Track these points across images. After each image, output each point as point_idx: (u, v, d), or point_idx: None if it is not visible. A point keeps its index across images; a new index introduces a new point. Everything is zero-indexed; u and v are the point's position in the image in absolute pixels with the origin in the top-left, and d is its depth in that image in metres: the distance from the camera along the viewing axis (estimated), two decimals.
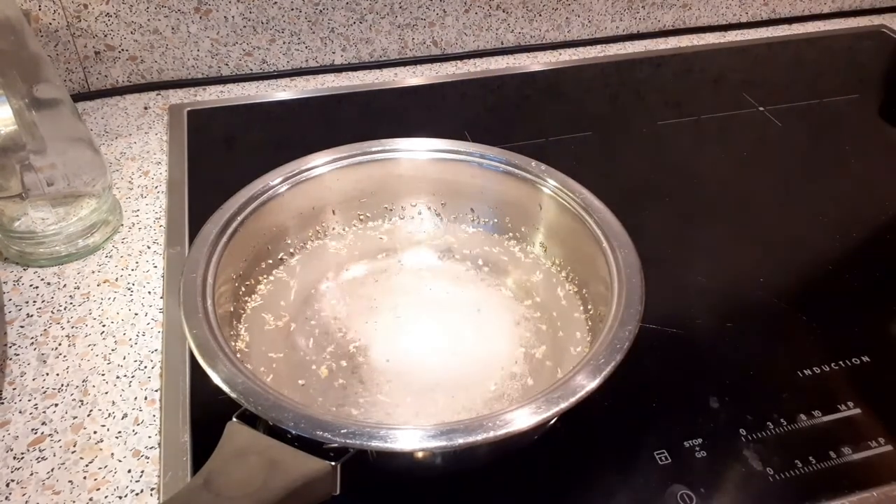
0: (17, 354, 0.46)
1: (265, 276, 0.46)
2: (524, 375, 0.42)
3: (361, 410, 0.40)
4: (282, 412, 0.32)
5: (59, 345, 0.46)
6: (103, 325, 0.48)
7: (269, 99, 0.72)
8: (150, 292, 0.50)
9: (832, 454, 0.40)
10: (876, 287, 0.52)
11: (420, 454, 0.35)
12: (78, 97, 0.70)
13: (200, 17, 0.70)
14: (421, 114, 0.70)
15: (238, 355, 0.37)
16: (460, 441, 0.32)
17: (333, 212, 0.50)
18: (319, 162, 0.48)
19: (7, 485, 0.38)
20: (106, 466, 0.39)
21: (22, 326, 0.47)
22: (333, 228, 0.50)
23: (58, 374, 0.44)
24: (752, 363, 0.45)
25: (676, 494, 0.38)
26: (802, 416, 0.42)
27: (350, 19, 0.74)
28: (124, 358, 0.46)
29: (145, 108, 0.70)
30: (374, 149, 0.49)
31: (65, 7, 0.66)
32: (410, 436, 0.32)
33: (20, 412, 0.42)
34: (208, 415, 0.41)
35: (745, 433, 0.41)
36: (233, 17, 0.70)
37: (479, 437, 0.32)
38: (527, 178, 0.48)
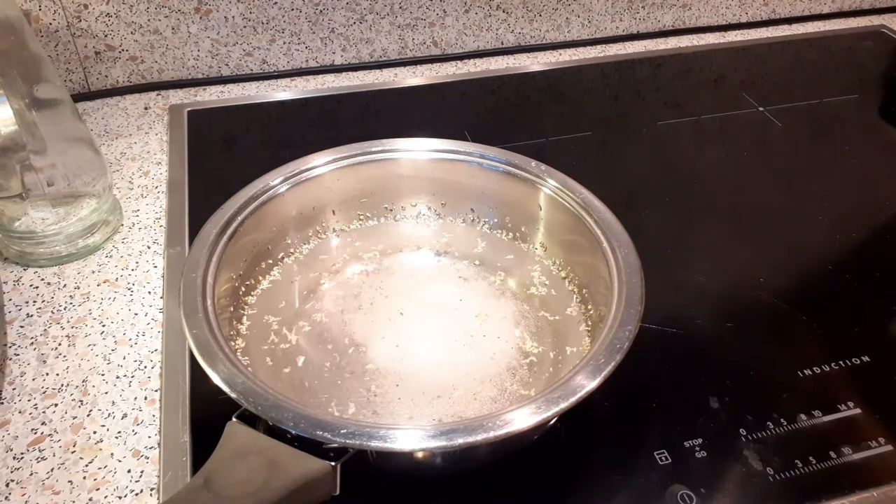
0: (17, 354, 0.46)
1: (265, 275, 0.46)
2: (524, 375, 0.42)
3: (361, 410, 0.40)
4: (281, 412, 0.32)
5: (59, 345, 0.46)
6: (103, 325, 0.48)
7: (269, 99, 0.72)
8: (150, 292, 0.50)
9: (832, 454, 0.40)
10: (876, 287, 0.52)
11: (420, 454, 0.35)
12: (78, 97, 0.70)
13: (200, 18, 0.70)
14: (421, 114, 0.70)
15: (238, 355, 0.37)
16: (460, 441, 0.32)
17: (333, 212, 0.50)
18: (319, 162, 0.48)
19: (7, 485, 0.38)
20: (106, 466, 0.39)
21: (22, 326, 0.47)
22: (333, 228, 0.50)
23: (58, 374, 0.44)
24: (752, 363, 0.45)
25: (676, 494, 0.38)
26: (802, 416, 0.42)
27: (350, 19, 0.74)
28: (124, 358, 0.46)
29: (145, 109, 0.70)
30: (374, 149, 0.50)
31: (65, 7, 0.66)
32: (410, 436, 0.32)
33: (20, 412, 0.42)
34: (208, 415, 0.41)
35: (745, 433, 0.41)
36: (233, 17, 0.70)
37: (479, 437, 0.32)
38: (527, 178, 0.48)
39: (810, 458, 0.40)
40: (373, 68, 0.77)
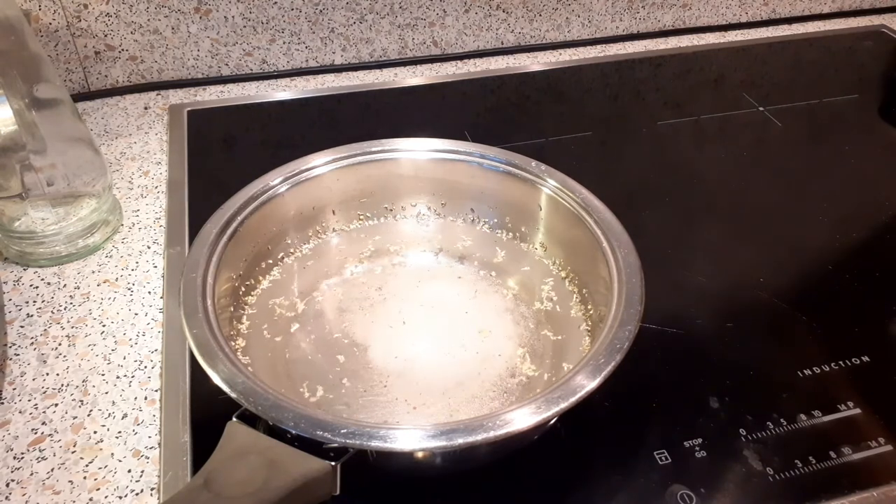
0: (17, 354, 0.46)
1: (265, 275, 0.46)
2: (524, 375, 0.42)
3: (361, 410, 0.40)
4: (281, 412, 0.32)
5: (59, 345, 0.46)
6: (103, 325, 0.48)
7: (269, 99, 0.72)
8: (150, 292, 0.50)
9: (832, 454, 0.40)
10: (876, 287, 0.52)
11: (420, 454, 0.35)
12: (78, 97, 0.70)
13: (200, 17, 0.70)
14: (421, 114, 0.70)
15: (238, 355, 0.37)
16: (460, 441, 0.32)
17: (333, 212, 0.50)
18: (319, 162, 0.48)
19: (7, 485, 0.38)
20: (106, 466, 0.40)
21: (22, 326, 0.47)
22: (333, 228, 0.50)
23: (58, 374, 0.44)
24: (752, 363, 0.45)
25: (676, 494, 0.38)
26: (802, 416, 0.42)
27: (350, 19, 0.74)
28: (124, 358, 0.46)
29: (145, 108, 0.70)
30: (374, 149, 0.49)
31: (65, 7, 0.66)
32: (410, 436, 0.32)
33: (20, 412, 0.42)
34: (208, 415, 0.41)
35: (745, 433, 0.41)
36: (233, 17, 0.70)
37: (479, 437, 0.32)
38: (527, 178, 0.48)
39: (810, 458, 0.40)
40: (373, 68, 0.77)
